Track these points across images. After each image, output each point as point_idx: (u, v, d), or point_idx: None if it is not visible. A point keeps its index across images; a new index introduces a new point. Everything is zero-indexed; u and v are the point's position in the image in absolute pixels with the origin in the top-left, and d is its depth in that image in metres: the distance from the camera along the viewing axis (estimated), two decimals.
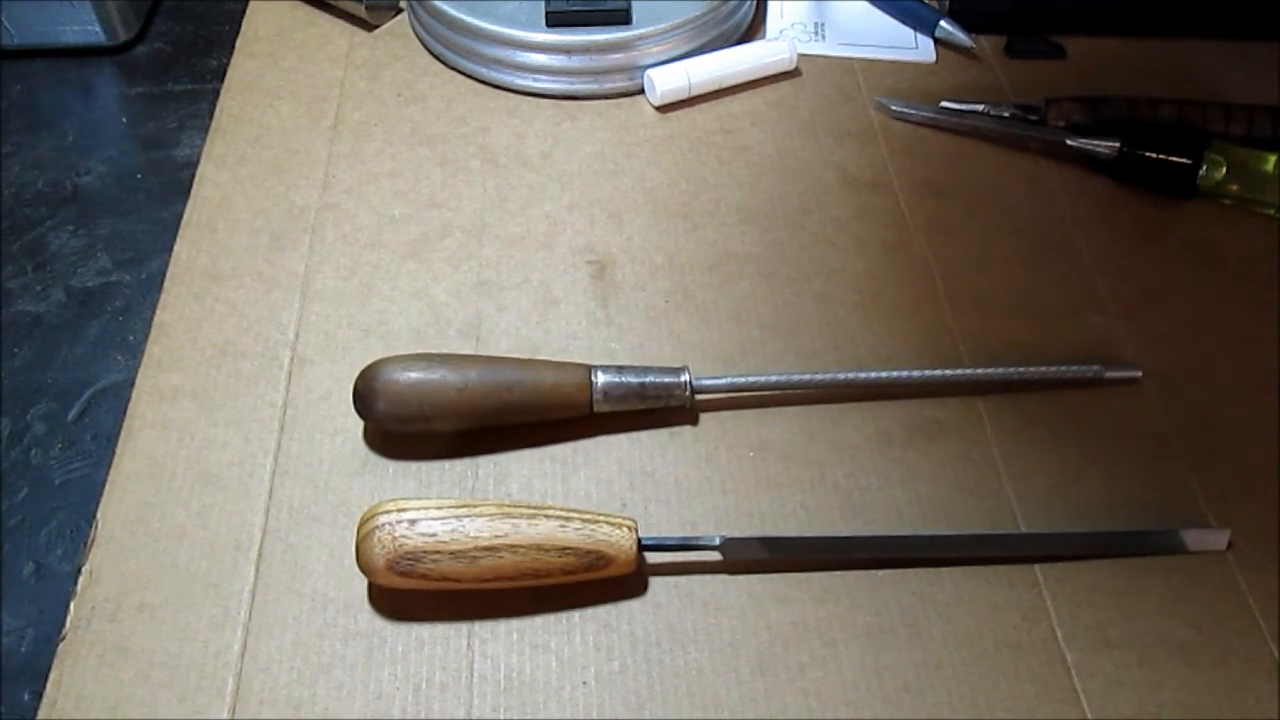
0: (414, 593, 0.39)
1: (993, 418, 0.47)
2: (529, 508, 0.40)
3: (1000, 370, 0.47)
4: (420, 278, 0.52)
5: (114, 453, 0.44)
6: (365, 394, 0.43)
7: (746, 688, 0.38)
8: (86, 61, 0.65)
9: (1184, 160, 0.55)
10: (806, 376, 0.47)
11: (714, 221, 0.55)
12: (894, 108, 0.60)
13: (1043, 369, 0.47)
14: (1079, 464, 0.45)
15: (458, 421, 0.44)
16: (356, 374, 0.44)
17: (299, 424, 0.46)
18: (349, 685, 0.38)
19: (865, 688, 0.39)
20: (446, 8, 0.61)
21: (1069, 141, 0.57)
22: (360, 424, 0.45)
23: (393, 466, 0.44)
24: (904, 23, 0.67)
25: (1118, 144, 0.56)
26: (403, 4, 0.67)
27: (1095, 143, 0.56)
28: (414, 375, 0.43)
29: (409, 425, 0.44)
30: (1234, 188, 0.54)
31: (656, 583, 0.41)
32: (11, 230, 0.55)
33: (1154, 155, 0.55)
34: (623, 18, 0.61)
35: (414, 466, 0.44)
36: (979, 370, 0.48)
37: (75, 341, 0.51)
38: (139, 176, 0.59)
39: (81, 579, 0.41)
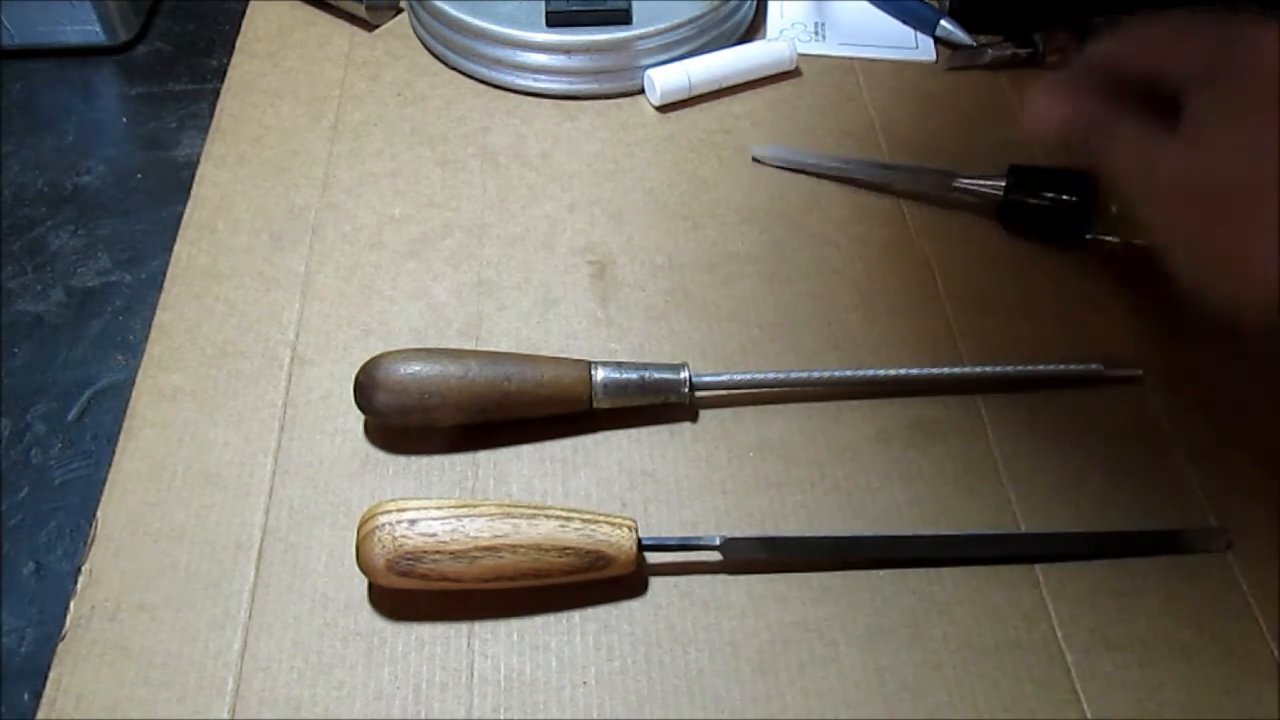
0: (414, 593, 0.39)
1: (993, 417, 0.47)
2: (529, 508, 0.40)
3: (1000, 368, 0.47)
4: (420, 278, 0.52)
5: (114, 453, 0.44)
6: (366, 385, 0.43)
7: (746, 688, 0.38)
8: (86, 61, 0.65)
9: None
10: (806, 374, 0.47)
11: (714, 221, 0.55)
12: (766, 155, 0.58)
13: (1043, 367, 0.47)
14: (1079, 464, 0.45)
15: (458, 414, 0.44)
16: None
17: (299, 424, 0.46)
18: (349, 685, 0.38)
19: (865, 688, 0.39)
20: (446, 8, 0.61)
21: (954, 184, 0.55)
22: (360, 423, 0.46)
23: (393, 466, 0.44)
24: (904, 22, 0.67)
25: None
26: (403, 4, 0.67)
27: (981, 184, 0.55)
28: (415, 366, 0.43)
29: (409, 417, 0.44)
30: (1123, 225, 0.52)
31: (656, 583, 0.41)
32: (11, 230, 0.55)
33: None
34: (623, 18, 0.61)
35: (414, 466, 0.44)
36: (979, 369, 0.48)
37: (75, 341, 0.51)
38: (139, 176, 0.59)
39: (81, 579, 0.41)
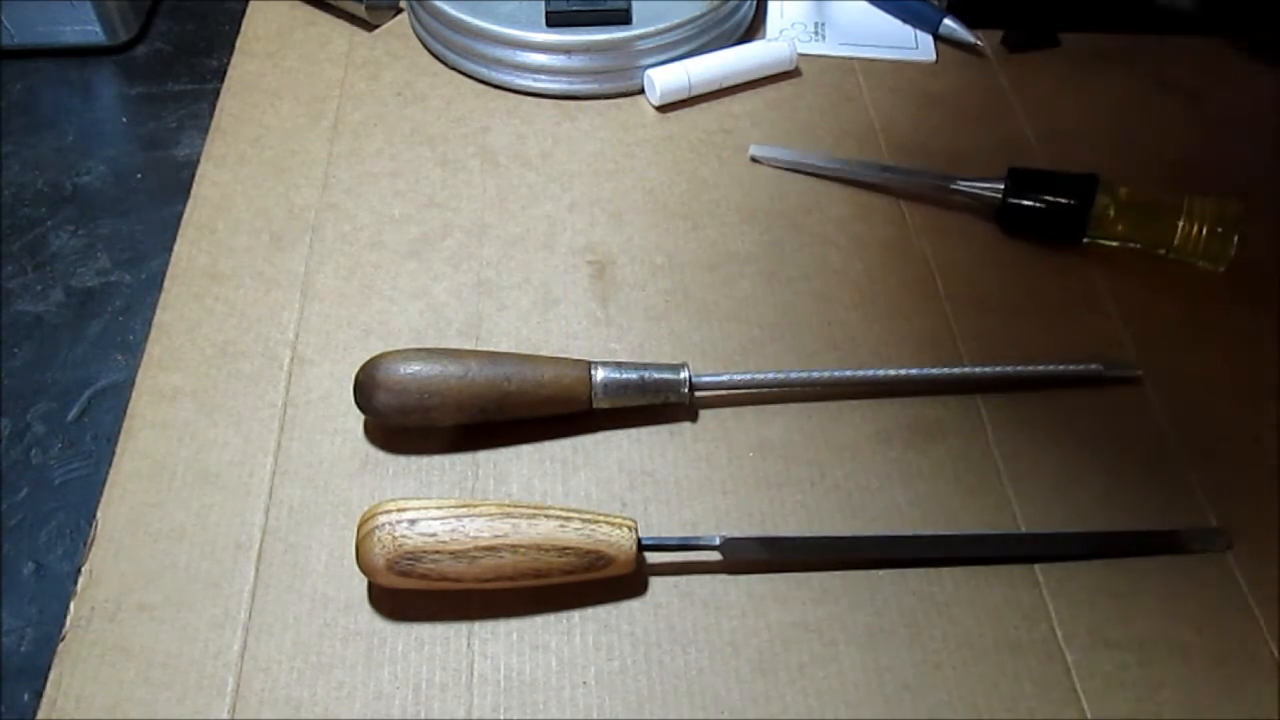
0: (414, 593, 0.39)
1: (993, 418, 0.47)
2: (529, 508, 0.40)
3: (1000, 369, 0.47)
4: (420, 278, 0.52)
5: (114, 453, 0.44)
6: (366, 385, 0.43)
7: (746, 688, 0.38)
8: (86, 61, 0.65)
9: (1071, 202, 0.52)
10: (806, 374, 0.47)
11: (714, 221, 0.55)
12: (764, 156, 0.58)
13: (1043, 367, 0.47)
14: (1079, 464, 0.45)
15: (458, 414, 0.44)
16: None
17: (299, 424, 0.46)
18: (349, 685, 0.38)
19: (865, 688, 0.39)
20: (446, 8, 0.61)
21: (953, 186, 0.55)
22: (360, 423, 0.46)
23: (393, 466, 0.44)
24: (906, 22, 0.67)
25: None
26: (403, 4, 0.67)
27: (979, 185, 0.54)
28: (415, 366, 0.43)
29: (409, 417, 0.44)
30: (1120, 228, 0.52)
31: (656, 583, 0.41)
32: (11, 230, 0.55)
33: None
34: (623, 18, 0.61)
35: (414, 466, 0.44)
36: (979, 369, 0.48)
37: (75, 341, 0.51)
38: (139, 176, 0.59)
39: (81, 579, 0.41)
